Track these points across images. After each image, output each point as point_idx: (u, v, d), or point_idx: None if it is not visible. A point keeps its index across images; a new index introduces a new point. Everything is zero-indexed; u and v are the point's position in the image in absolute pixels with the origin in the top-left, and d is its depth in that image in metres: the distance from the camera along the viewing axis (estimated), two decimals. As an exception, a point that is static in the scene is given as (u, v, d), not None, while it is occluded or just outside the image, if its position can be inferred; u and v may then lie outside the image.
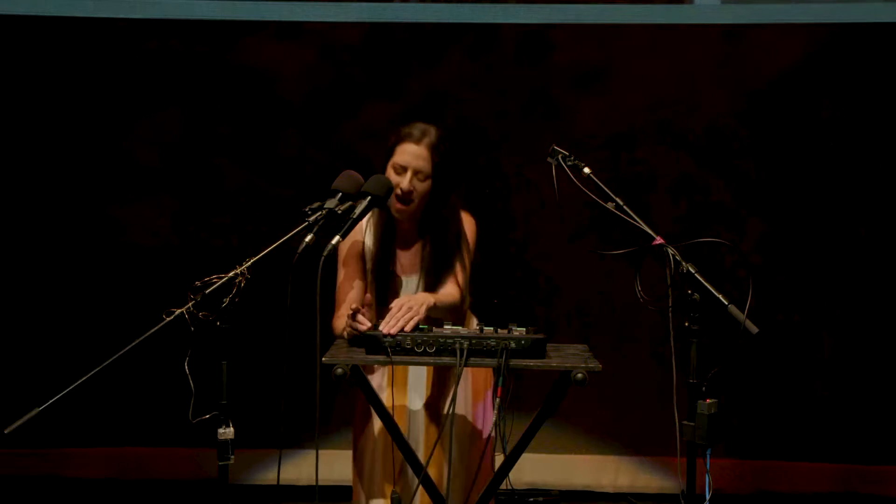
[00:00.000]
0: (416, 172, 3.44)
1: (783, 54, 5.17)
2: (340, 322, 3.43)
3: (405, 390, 3.51)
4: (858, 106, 5.18)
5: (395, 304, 3.26)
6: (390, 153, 3.48)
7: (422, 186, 3.45)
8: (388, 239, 3.52)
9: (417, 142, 3.44)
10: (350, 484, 3.64)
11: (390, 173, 3.45)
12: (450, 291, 3.49)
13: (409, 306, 3.23)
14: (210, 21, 5.24)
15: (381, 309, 3.47)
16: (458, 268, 3.54)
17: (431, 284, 3.50)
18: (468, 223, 3.62)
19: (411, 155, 3.44)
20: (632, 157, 5.24)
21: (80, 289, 5.30)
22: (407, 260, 3.57)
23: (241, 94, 5.30)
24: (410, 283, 3.55)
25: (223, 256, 3.11)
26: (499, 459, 3.34)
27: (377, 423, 3.47)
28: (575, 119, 5.23)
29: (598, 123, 5.23)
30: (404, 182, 3.43)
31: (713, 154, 5.25)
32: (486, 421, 3.56)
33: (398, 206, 3.45)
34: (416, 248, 3.57)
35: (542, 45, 5.25)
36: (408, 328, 3.19)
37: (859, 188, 5.21)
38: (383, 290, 3.52)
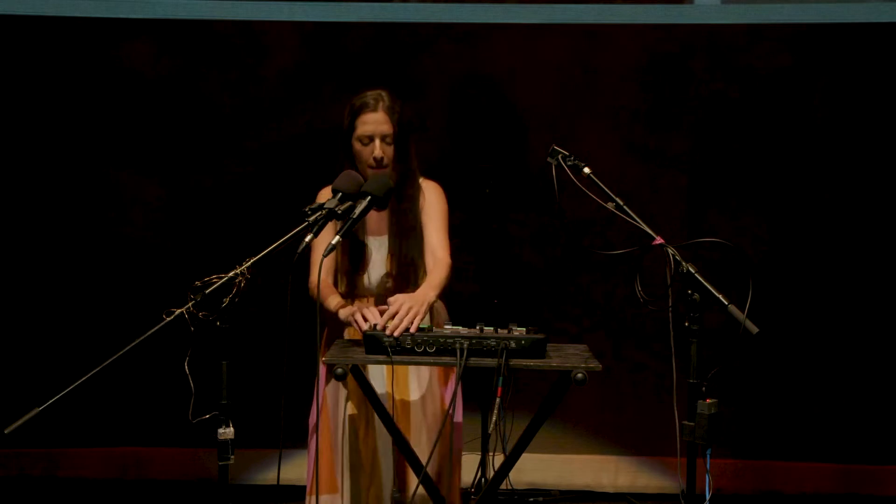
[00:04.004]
0: (382, 138, 3.56)
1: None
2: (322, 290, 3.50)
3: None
4: (850, 104, 5.19)
5: (394, 302, 3.27)
6: (351, 128, 3.59)
7: (390, 150, 3.57)
8: None
9: (374, 109, 3.56)
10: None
11: (357, 146, 3.58)
12: (438, 270, 3.55)
13: (410, 307, 3.25)
14: (212, 20, 5.24)
15: (353, 276, 3.58)
16: (437, 238, 3.62)
17: (398, 245, 3.58)
18: (434, 189, 3.68)
19: (373, 123, 3.56)
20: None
21: (80, 289, 5.30)
22: (375, 223, 3.64)
23: (246, 95, 5.30)
24: (380, 243, 3.62)
25: (223, 256, 3.10)
26: (499, 459, 3.35)
27: (339, 419, 3.53)
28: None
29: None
30: (376, 150, 3.54)
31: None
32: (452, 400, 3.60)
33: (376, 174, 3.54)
34: (385, 212, 3.63)
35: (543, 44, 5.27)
36: (413, 329, 3.20)
37: (857, 185, 5.21)
38: (356, 255, 3.61)
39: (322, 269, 3.48)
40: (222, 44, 5.28)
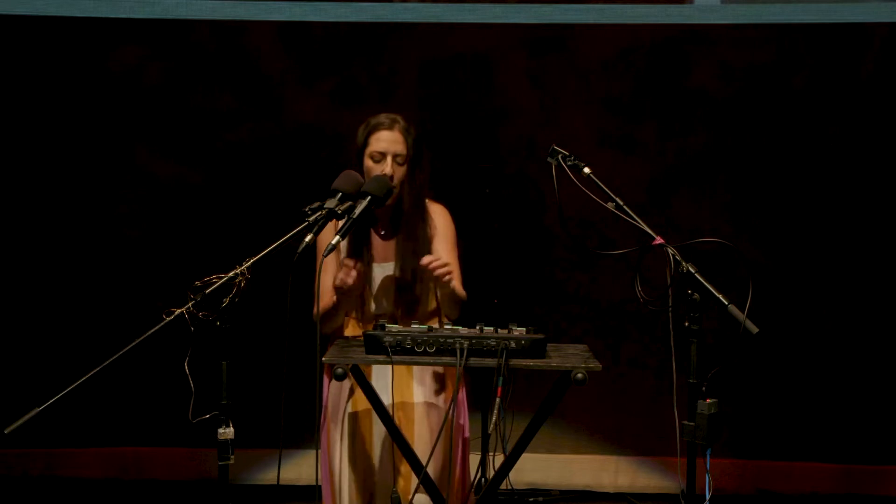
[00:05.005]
0: (394, 157, 3.56)
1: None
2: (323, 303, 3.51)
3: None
4: (850, 104, 5.19)
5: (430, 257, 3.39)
6: (364, 144, 3.59)
7: (400, 170, 3.57)
8: (363, 227, 3.58)
9: (390, 128, 3.57)
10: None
11: (368, 163, 3.57)
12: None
13: (446, 262, 3.36)
14: (212, 21, 5.24)
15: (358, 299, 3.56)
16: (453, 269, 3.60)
17: (405, 270, 3.57)
18: (442, 214, 3.68)
19: (387, 141, 3.56)
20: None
21: (80, 289, 5.30)
22: (381, 249, 3.63)
23: (248, 95, 5.31)
24: (385, 269, 3.60)
25: (223, 256, 3.10)
26: (499, 459, 3.35)
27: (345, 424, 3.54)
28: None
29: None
30: (386, 168, 3.54)
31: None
32: (457, 406, 3.59)
33: None
34: (394, 240, 3.63)
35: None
36: (445, 279, 3.34)
37: (857, 185, 5.22)
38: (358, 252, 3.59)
39: (326, 295, 3.48)
40: (219, 43, 5.29)
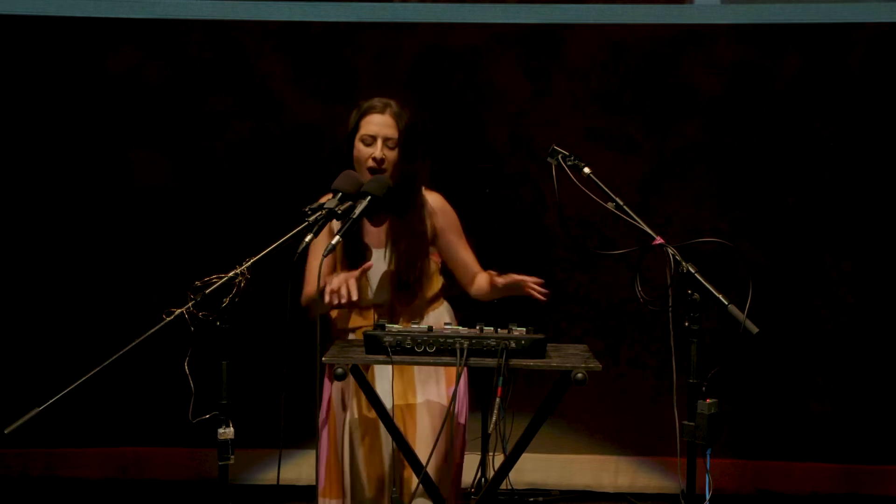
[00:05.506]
0: (385, 140, 3.55)
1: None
2: (310, 289, 3.49)
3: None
4: (850, 104, 5.19)
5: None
6: (356, 128, 3.59)
7: (392, 154, 3.55)
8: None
9: (381, 112, 3.57)
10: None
11: (359, 147, 3.56)
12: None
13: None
14: (212, 21, 5.25)
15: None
16: (468, 254, 3.70)
17: (400, 256, 3.57)
18: (441, 202, 3.68)
19: (378, 124, 3.55)
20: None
21: (80, 289, 5.30)
22: (376, 235, 3.63)
23: (248, 95, 5.31)
24: (381, 255, 3.61)
25: (223, 256, 3.10)
26: (499, 459, 3.35)
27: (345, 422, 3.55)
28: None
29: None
30: (376, 151, 3.53)
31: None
32: (458, 402, 3.60)
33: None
34: (385, 224, 3.63)
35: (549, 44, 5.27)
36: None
37: (862, 189, 5.22)
38: (354, 263, 3.56)
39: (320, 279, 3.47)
40: (218, 43, 5.29)
